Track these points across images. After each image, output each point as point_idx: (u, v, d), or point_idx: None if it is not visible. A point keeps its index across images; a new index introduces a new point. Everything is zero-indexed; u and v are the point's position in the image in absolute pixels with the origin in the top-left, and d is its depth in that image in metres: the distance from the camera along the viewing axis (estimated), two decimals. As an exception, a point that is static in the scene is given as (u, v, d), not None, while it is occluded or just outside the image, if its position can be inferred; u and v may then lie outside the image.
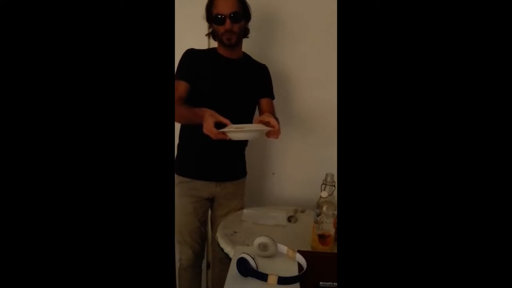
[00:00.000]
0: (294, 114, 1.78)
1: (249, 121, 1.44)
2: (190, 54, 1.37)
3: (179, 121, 1.33)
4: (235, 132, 1.12)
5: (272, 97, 1.49)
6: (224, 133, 1.12)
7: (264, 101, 1.45)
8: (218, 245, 1.20)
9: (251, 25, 1.42)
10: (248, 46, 1.48)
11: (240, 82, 1.40)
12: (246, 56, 1.46)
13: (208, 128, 1.11)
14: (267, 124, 1.17)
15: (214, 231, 1.53)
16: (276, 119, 1.40)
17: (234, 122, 1.23)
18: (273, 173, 1.87)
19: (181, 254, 1.49)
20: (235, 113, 1.35)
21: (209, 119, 1.12)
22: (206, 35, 1.42)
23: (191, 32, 1.60)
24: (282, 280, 0.81)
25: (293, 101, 1.78)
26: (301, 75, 1.77)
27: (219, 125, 1.13)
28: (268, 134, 1.17)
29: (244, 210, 1.39)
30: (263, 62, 1.50)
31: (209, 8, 1.34)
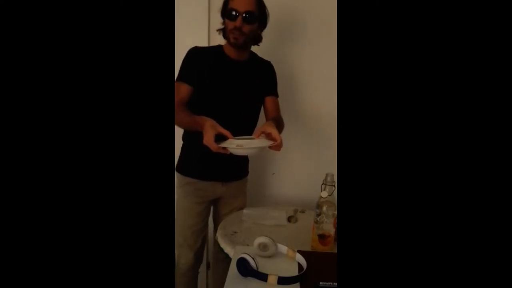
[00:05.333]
0: (294, 114, 1.78)
1: (254, 121, 1.43)
2: (194, 54, 1.31)
3: (179, 126, 1.28)
4: (237, 149, 1.11)
5: (276, 95, 1.46)
6: (225, 147, 1.09)
7: (269, 100, 1.43)
8: (218, 245, 1.20)
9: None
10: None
11: (245, 84, 1.36)
12: (252, 56, 1.41)
13: (209, 141, 1.09)
14: (268, 135, 1.14)
15: (216, 230, 1.53)
16: (281, 120, 1.38)
17: (239, 123, 1.20)
18: (273, 173, 1.87)
19: (181, 258, 1.46)
20: (240, 116, 1.33)
21: (209, 131, 1.09)
22: (217, 30, 1.35)
23: (191, 31, 1.61)
24: (282, 280, 0.81)
25: (293, 101, 1.78)
26: (302, 76, 1.77)
27: (220, 135, 1.11)
28: (270, 146, 1.15)
29: (244, 210, 1.39)
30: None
31: (226, 2, 1.27)
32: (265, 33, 1.37)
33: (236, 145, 1.10)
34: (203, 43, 1.65)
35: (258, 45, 1.38)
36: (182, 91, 1.27)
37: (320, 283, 0.82)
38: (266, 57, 1.46)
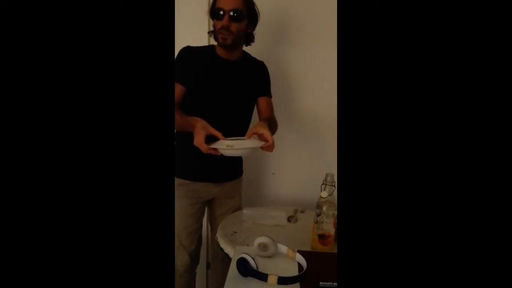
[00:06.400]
0: (294, 114, 1.78)
1: (247, 121, 1.43)
2: (186, 53, 1.30)
3: None
4: (227, 150, 1.10)
5: (270, 95, 1.46)
6: (215, 148, 1.09)
7: (262, 100, 1.43)
8: (218, 245, 1.20)
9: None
10: (249, 46, 1.46)
11: (238, 84, 1.36)
12: (245, 56, 1.40)
13: (199, 142, 1.08)
14: (260, 136, 1.13)
15: (213, 230, 1.53)
16: (274, 121, 1.38)
17: (232, 124, 1.19)
18: (273, 173, 1.87)
19: (177, 259, 1.45)
20: (232, 116, 1.33)
21: (200, 132, 1.08)
22: (208, 32, 1.35)
23: (191, 31, 1.60)
24: (282, 280, 0.81)
25: (294, 101, 1.78)
26: (301, 76, 1.77)
27: (211, 136, 1.11)
28: (262, 147, 1.13)
29: (244, 210, 1.39)
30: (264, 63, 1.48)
31: (214, 2, 1.27)
32: (260, 34, 1.37)
33: (227, 146, 1.09)
34: (203, 43, 1.64)
35: (250, 45, 1.36)
36: (175, 92, 1.25)
37: (320, 283, 0.82)
38: (260, 58, 1.46)
